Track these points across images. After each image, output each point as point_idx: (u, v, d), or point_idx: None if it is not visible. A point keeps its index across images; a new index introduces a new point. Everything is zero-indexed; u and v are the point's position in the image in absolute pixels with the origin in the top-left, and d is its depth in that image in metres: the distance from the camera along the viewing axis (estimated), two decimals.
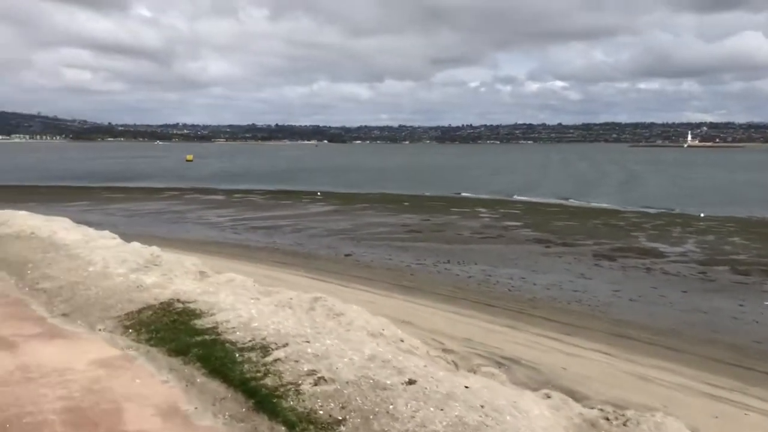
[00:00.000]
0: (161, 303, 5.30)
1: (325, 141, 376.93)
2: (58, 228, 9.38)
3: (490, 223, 27.85)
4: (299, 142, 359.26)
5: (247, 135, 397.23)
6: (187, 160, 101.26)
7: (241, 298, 5.33)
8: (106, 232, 9.32)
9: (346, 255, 20.53)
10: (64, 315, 5.42)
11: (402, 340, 4.50)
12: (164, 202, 38.20)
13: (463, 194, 43.59)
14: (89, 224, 11.62)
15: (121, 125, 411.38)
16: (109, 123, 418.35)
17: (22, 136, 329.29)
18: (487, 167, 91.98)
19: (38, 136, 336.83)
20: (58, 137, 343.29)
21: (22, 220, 10.39)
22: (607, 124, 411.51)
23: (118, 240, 8.48)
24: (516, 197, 41.26)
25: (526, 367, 9.37)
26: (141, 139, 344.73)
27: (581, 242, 23.07)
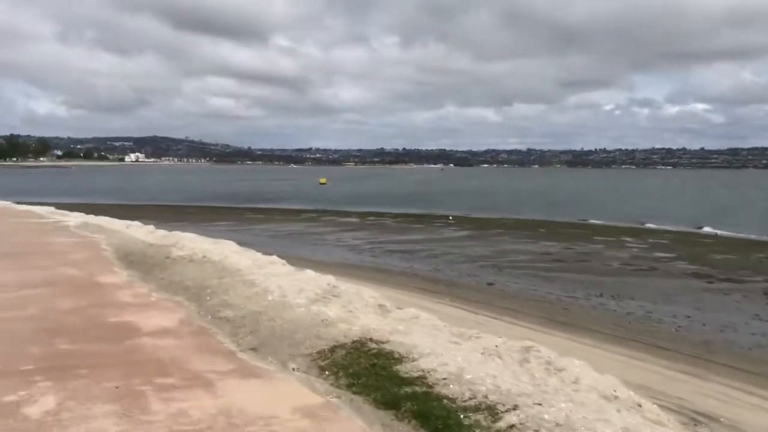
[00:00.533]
0: (353, 342, 4.91)
1: (451, 165, 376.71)
2: (228, 252, 9.44)
3: (639, 254, 26.00)
4: (425, 165, 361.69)
5: (376, 159, 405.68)
6: (321, 183, 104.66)
7: (438, 340, 4.83)
8: (275, 257, 9.25)
9: (489, 284, 19.77)
10: (253, 349, 5.17)
11: (640, 405, 3.78)
12: (303, 223, 39.18)
13: (603, 222, 41.35)
14: (239, 245, 11.72)
15: (259, 149, 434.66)
16: (249, 147, 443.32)
17: (171, 158, 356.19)
18: (625, 192, 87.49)
19: (185, 159, 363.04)
20: (202, 160, 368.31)
21: (192, 242, 10.62)
22: (756, 149, 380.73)
23: (289, 266, 8.33)
24: (661, 226, 38.60)
25: (728, 427, 8.18)
26: (277, 163, 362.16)
27: (748, 278, 20.91)
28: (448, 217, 43.42)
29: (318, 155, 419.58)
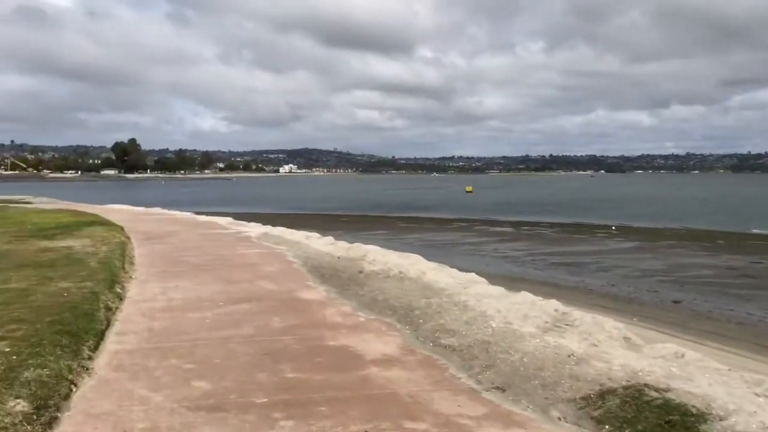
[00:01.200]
0: (623, 387, 4.10)
1: (602, 171, 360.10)
2: (424, 267, 8.97)
3: None
4: (573, 172, 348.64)
5: (521, 166, 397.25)
6: (467, 192, 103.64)
7: (735, 390, 3.90)
8: (474, 275, 8.62)
9: (675, 302, 17.91)
10: (498, 389, 4.52)
11: None
12: (456, 233, 38.51)
13: None
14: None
15: (403, 159, 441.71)
16: (393, 157, 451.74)
17: (321, 169, 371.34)
18: None
19: (334, 170, 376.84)
20: (349, 170, 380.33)
21: (381, 256, 10.28)
22: None
23: (499, 287, 7.64)
24: None
25: None
26: (420, 172, 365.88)
27: None
28: (610, 227, 40.85)
29: (461, 163, 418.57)
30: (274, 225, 21.45)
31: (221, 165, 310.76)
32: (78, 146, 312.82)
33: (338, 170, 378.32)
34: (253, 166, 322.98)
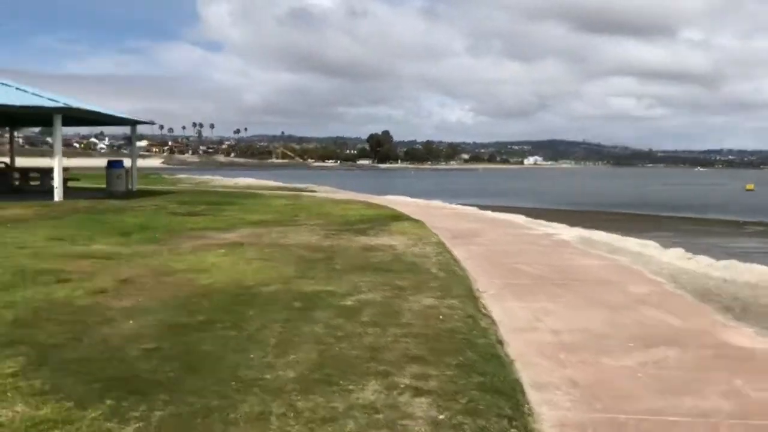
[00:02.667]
0: None
1: None
2: None
3: None
4: None
5: None
6: (747, 189, 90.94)
7: None
8: None
9: None
10: None
11: None
12: (754, 239, 32.64)
13: None
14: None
15: (661, 151, 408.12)
16: (649, 149, 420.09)
17: (568, 161, 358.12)
18: None
19: (582, 162, 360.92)
20: (599, 162, 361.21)
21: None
22: None
23: None
24: None
25: None
26: (681, 165, 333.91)
27: None
28: None
29: (731, 157, 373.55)
30: (548, 220, 19.33)
31: (466, 156, 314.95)
32: (337, 137, 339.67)
33: (587, 162, 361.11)
34: (498, 158, 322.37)
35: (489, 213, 21.12)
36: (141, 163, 39.66)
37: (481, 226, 16.47)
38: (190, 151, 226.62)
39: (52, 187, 24.23)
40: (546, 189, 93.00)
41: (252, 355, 4.97)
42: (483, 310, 6.85)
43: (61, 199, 18.94)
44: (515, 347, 5.77)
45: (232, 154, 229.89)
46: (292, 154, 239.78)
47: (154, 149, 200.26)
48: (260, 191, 28.93)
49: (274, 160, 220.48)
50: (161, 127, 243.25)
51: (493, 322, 6.45)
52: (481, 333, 5.67)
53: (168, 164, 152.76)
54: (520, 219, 18.54)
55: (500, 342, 5.66)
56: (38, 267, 8.45)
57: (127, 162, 24.67)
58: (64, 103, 18.88)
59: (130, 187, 24.46)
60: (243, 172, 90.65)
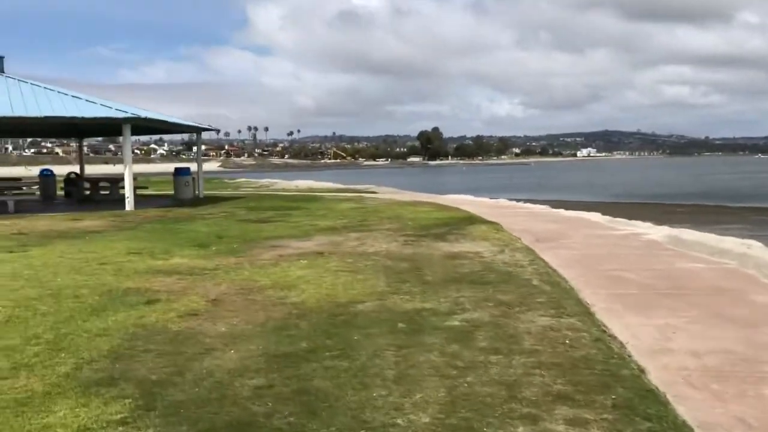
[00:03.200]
0: None
1: None
2: None
3: None
4: None
5: None
6: None
7: None
8: None
9: None
10: None
11: None
12: None
13: None
14: None
15: (719, 139, 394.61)
16: (706, 137, 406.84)
17: (622, 152, 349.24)
18: None
19: (636, 153, 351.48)
20: (654, 153, 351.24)
21: None
22: None
23: None
24: None
25: None
26: (740, 153, 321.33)
27: None
28: None
29: None
30: (619, 215, 18.36)
31: (517, 150, 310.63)
32: (386, 136, 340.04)
33: (642, 153, 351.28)
34: (550, 151, 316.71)
35: (563, 212, 20.22)
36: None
37: (559, 226, 15.69)
38: (246, 155, 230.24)
39: (121, 196, 24.58)
40: (606, 181, 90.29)
41: (374, 394, 4.48)
42: (606, 330, 6.22)
43: (132, 208, 19.01)
44: (657, 375, 5.12)
45: (286, 156, 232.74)
46: (344, 154, 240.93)
47: (211, 153, 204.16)
48: (322, 194, 28.71)
49: (327, 161, 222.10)
50: (217, 131, 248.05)
51: (622, 345, 5.81)
52: (620, 361, 5.06)
53: (225, 168, 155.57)
54: (596, 217, 17.66)
55: (642, 370, 5.02)
56: (124, 285, 8.21)
57: (191, 167, 24.78)
58: (133, 113, 18.93)
59: (197, 193, 24.54)
60: (298, 174, 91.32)
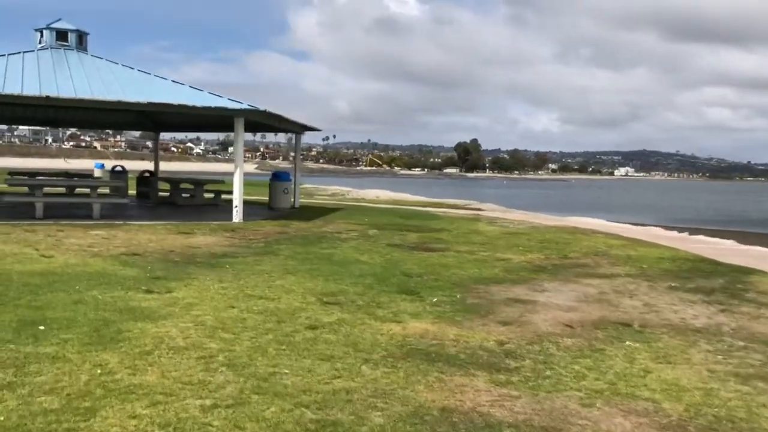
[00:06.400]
0: None
1: None
2: None
3: None
4: None
5: None
6: None
7: None
8: None
9: None
10: None
11: None
12: None
13: None
14: None
15: (761, 164, 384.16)
16: (748, 161, 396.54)
17: (660, 173, 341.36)
18: None
19: (675, 174, 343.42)
20: (693, 175, 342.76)
21: None
22: None
23: None
24: None
25: None
26: None
27: None
28: None
29: None
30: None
31: (554, 166, 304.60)
32: (421, 145, 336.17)
33: (681, 175, 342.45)
34: (589, 168, 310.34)
35: (710, 239, 16.84)
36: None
37: (757, 262, 12.05)
38: (281, 157, 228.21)
39: (206, 200, 21.18)
40: (663, 203, 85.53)
41: None
42: None
43: (241, 220, 15.56)
44: None
45: (321, 161, 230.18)
46: (380, 162, 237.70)
47: (246, 155, 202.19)
48: (425, 208, 25.09)
49: (363, 168, 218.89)
50: (254, 133, 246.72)
51: None
52: None
53: (261, 170, 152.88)
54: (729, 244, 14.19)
55: None
56: (420, 397, 4.60)
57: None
58: (249, 105, 15.48)
59: (292, 201, 21.09)
60: (338, 180, 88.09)
